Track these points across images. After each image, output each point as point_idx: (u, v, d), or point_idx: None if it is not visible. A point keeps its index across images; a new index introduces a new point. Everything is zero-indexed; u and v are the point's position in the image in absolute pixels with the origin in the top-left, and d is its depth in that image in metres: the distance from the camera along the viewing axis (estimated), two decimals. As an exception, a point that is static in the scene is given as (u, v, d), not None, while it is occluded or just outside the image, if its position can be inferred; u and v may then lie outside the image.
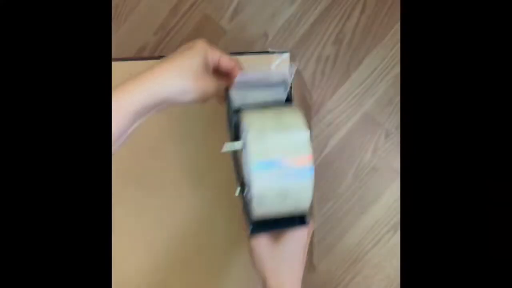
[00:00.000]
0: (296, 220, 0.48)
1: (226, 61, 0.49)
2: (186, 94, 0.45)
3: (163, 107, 0.46)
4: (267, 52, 0.60)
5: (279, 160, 0.41)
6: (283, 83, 0.49)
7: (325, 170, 1.00)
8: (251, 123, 0.43)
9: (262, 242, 0.48)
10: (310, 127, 1.00)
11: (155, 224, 0.63)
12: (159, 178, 0.63)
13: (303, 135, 0.43)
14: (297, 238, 0.49)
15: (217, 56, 0.48)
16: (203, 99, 0.47)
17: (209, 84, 0.46)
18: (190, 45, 0.47)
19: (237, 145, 0.44)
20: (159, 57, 0.49)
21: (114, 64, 0.56)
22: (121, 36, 1.05)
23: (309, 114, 0.97)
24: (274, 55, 0.58)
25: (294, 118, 0.45)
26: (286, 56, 0.59)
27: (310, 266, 0.99)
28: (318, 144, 1.00)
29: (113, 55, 1.07)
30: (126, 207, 0.63)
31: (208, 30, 1.03)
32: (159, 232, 0.63)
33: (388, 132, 0.98)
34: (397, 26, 0.98)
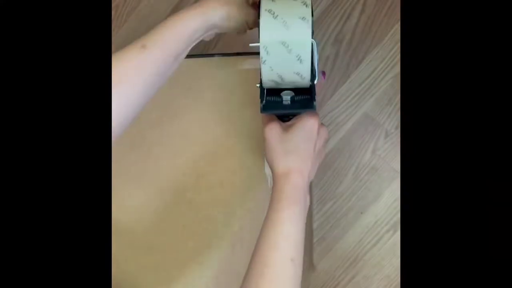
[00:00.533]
0: (303, 102, 0.50)
1: None
2: (231, 20, 0.53)
3: (211, 34, 0.55)
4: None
5: (283, 14, 0.46)
6: None
7: (324, 170, 1.00)
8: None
9: (274, 130, 0.52)
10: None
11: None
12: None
13: (307, 8, 0.47)
14: (305, 127, 0.51)
15: None
16: (244, 27, 0.55)
17: (250, 13, 0.55)
18: None
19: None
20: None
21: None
22: (121, 36, 1.05)
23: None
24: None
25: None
26: None
27: (310, 265, 0.99)
28: (318, 144, 1.00)
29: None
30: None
31: (208, 31, 1.03)
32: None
33: (387, 132, 0.98)
34: (397, 26, 0.98)
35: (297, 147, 0.51)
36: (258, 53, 0.48)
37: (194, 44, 0.53)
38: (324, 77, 0.54)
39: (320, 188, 1.00)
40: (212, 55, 0.67)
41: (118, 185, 0.62)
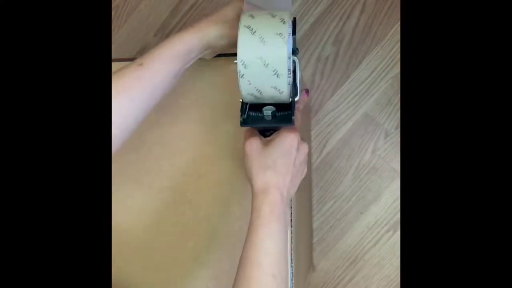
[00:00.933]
0: (283, 118, 0.51)
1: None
2: (223, 38, 0.55)
3: (210, 53, 0.59)
4: None
5: (261, 30, 0.48)
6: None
7: (324, 170, 1.00)
8: (247, 13, 0.51)
9: (253, 144, 0.52)
10: (310, 127, 1.00)
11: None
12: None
13: (284, 25, 0.49)
14: (284, 142, 0.52)
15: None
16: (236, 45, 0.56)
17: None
18: (228, 2, 0.57)
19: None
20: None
21: (114, 65, 0.57)
22: (121, 37, 1.05)
23: (308, 115, 0.97)
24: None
25: (282, 12, 0.50)
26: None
27: (310, 266, 0.99)
28: (317, 144, 1.00)
29: (113, 56, 1.07)
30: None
31: (208, 31, 1.03)
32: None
33: (387, 132, 0.98)
34: (397, 26, 0.98)
35: (275, 163, 0.51)
36: None
37: (191, 62, 0.56)
38: (308, 95, 0.55)
39: (320, 188, 1.00)
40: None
41: (118, 185, 0.62)
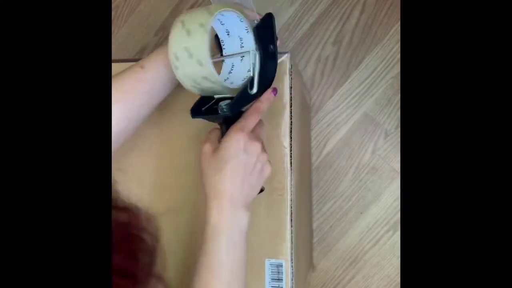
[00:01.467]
0: (226, 109, 0.50)
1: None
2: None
3: None
4: None
5: (188, 23, 0.49)
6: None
7: (324, 170, 1.00)
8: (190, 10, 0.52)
9: (205, 149, 0.52)
10: (310, 127, 1.00)
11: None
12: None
13: (209, 15, 0.49)
14: (230, 144, 0.50)
15: None
16: None
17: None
18: None
19: None
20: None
21: (114, 66, 0.57)
22: (121, 37, 1.05)
23: (308, 115, 0.97)
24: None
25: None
26: (287, 56, 0.59)
27: (309, 266, 0.99)
28: (317, 144, 1.00)
29: (113, 56, 1.07)
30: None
31: (208, 31, 1.03)
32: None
33: (387, 132, 0.98)
34: (397, 26, 0.98)
35: (222, 167, 0.50)
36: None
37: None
38: (275, 94, 0.54)
39: (320, 188, 1.00)
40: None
41: (119, 182, 0.62)
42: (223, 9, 0.50)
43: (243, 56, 0.54)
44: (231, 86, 0.51)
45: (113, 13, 1.06)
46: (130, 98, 0.52)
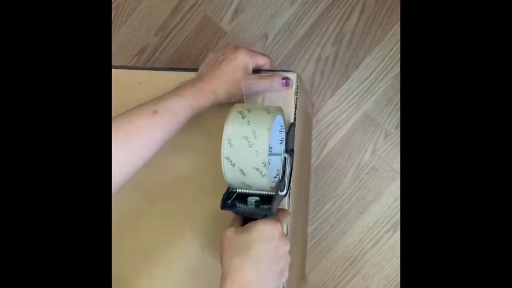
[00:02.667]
0: (263, 208, 0.51)
1: (262, 61, 0.61)
2: (234, 98, 0.58)
3: None
4: (274, 70, 0.63)
5: (251, 118, 0.50)
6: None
7: (324, 170, 1.00)
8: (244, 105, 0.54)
9: (228, 231, 0.50)
10: (310, 128, 1.00)
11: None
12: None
13: (268, 115, 0.51)
14: (264, 227, 0.49)
15: (255, 60, 0.60)
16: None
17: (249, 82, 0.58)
18: (233, 56, 0.58)
19: None
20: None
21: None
22: (121, 37, 1.05)
23: (310, 126, 0.97)
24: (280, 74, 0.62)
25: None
26: (293, 75, 0.60)
27: (301, 277, 0.99)
28: (317, 144, 1.00)
29: (114, 56, 1.07)
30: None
31: (208, 31, 1.03)
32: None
33: (387, 132, 0.98)
34: (397, 27, 0.98)
35: (248, 246, 0.48)
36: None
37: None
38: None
39: (320, 188, 1.00)
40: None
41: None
42: (278, 113, 0.52)
43: (280, 155, 0.55)
44: (272, 184, 0.52)
45: (113, 13, 1.06)
46: (138, 144, 0.51)
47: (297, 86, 0.60)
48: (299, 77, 0.61)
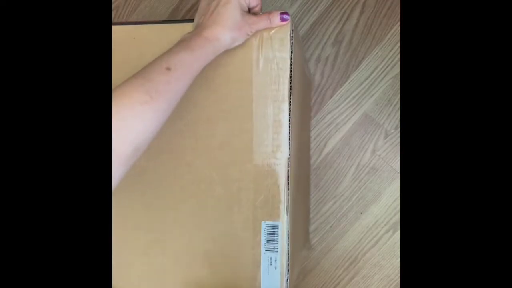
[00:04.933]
0: None
1: (254, 3, 0.62)
2: (236, 41, 0.59)
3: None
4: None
5: None
6: None
7: (324, 170, 1.00)
8: None
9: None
10: (310, 128, 1.00)
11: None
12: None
13: None
14: None
15: (248, 0, 0.61)
16: (248, 37, 0.61)
17: (250, 25, 0.60)
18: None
19: None
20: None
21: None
22: (121, 36, 1.06)
23: (308, 115, 0.97)
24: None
25: None
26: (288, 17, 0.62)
27: (305, 241, 0.99)
28: (317, 144, 1.00)
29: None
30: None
31: (208, 31, 1.03)
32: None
33: (387, 132, 0.98)
34: (397, 27, 0.98)
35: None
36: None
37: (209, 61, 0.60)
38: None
39: (320, 188, 1.00)
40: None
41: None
42: None
43: None
44: None
45: (113, 13, 1.06)
46: (160, 100, 0.52)
47: (292, 30, 0.60)
48: (293, 22, 0.61)
